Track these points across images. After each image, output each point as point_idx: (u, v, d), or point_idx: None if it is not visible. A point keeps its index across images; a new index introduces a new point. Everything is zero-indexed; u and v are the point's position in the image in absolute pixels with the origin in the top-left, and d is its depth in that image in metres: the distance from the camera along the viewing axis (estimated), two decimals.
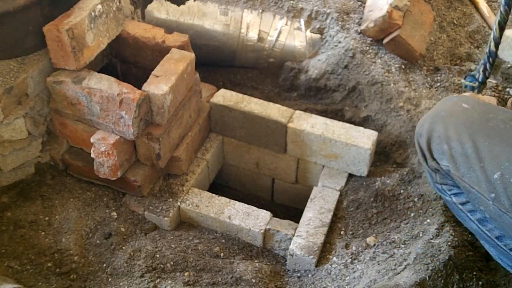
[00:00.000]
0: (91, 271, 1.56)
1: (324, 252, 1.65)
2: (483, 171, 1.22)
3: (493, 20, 1.53)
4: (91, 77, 1.62)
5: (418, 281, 1.38)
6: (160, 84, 1.62)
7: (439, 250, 1.45)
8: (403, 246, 1.56)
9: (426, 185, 1.69)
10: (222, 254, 1.67)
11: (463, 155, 1.30)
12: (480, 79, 1.47)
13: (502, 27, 1.30)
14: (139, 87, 1.60)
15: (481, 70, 1.45)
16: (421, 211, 1.64)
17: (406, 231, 1.60)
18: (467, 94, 1.57)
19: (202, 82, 1.93)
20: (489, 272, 1.48)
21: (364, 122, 2.01)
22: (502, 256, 1.33)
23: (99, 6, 1.65)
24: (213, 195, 1.80)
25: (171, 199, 1.77)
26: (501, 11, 1.27)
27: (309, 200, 1.78)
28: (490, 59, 1.40)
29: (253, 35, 2.19)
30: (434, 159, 1.39)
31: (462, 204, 1.38)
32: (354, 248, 1.63)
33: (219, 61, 2.29)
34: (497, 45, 1.35)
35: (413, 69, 2.06)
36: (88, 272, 1.56)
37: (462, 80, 1.55)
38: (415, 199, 1.69)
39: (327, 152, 1.86)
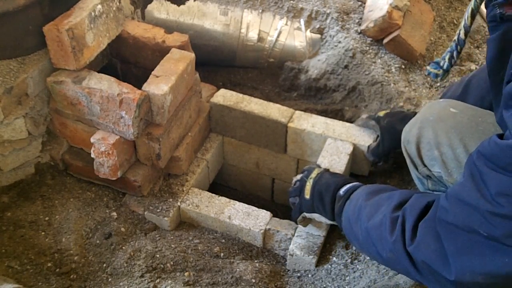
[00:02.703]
0: (91, 271, 1.56)
1: (324, 252, 1.65)
2: None
3: None
4: (91, 77, 1.62)
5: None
6: (160, 84, 1.62)
7: None
8: None
9: None
10: (222, 254, 1.67)
11: (455, 160, 1.28)
12: (445, 67, 1.42)
13: (474, 15, 1.25)
14: (139, 87, 1.60)
15: (446, 57, 1.40)
16: None
17: None
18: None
19: (202, 82, 1.94)
20: None
21: None
22: None
23: (99, 6, 1.65)
24: (213, 195, 1.80)
25: (171, 199, 1.77)
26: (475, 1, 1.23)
27: None
28: (458, 47, 1.36)
29: (253, 35, 2.19)
30: (425, 165, 1.37)
31: None
32: (354, 248, 1.63)
33: (219, 61, 2.30)
34: (466, 34, 1.30)
35: (413, 69, 2.06)
36: (88, 272, 1.56)
37: (427, 67, 1.49)
38: None
39: None
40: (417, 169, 1.41)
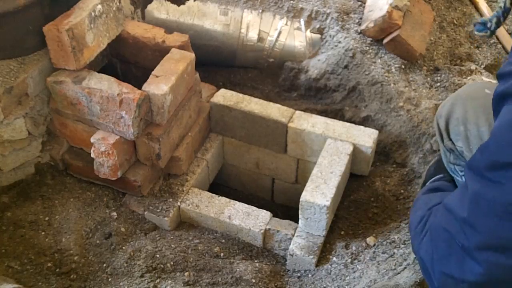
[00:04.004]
0: (91, 271, 1.56)
1: (324, 252, 1.65)
2: None
3: None
4: (91, 77, 1.62)
5: (418, 281, 1.38)
6: (160, 84, 1.62)
7: None
8: (403, 246, 1.56)
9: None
10: (222, 254, 1.67)
11: (477, 138, 1.31)
12: (492, 28, 1.53)
13: None
14: (139, 87, 1.60)
15: (493, 20, 1.52)
16: None
17: (406, 231, 1.60)
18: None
19: (202, 82, 1.93)
20: None
21: (364, 122, 2.01)
22: None
23: (99, 6, 1.65)
24: (213, 195, 1.80)
25: (171, 199, 1.77)
26: None
27: None
28: (505, 14, 1.49)
29: (253, 35, 2.19)
30: (450, 139, 1.42)
31: None
32: (354, 248, 1.63)
33: (219, 61, 2.29)
34: None
35: (413, 69, 2.06)
36: (88, 272, 1.56)
37: (475, 32, 1.59)
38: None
39: None
40: (443, 142, 1.46)
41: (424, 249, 1.01)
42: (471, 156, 1.31)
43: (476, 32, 1.59)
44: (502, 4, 1.46)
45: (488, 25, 1.52)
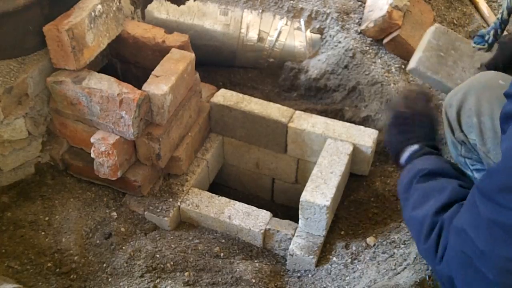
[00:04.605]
0: (91, 271, 1.56)
1: (324, 252, 1.65)
2: None
3: (493, 20, 1.57)
4: (91, 77, 1.62)
5: (418, 281, 1.38)
6: (160, 84, 1.62)
7: None
8: (403, 246, 1.56)
9: None
10: (222, 254, 1.67)
11: (492, 131, 1.27)
12: (490, 41, 1.51)
13: None
14: (139, 87, 1.60)
15: (491, 33, 1.50)
16: None
17: (406, 231, 1.60)
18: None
19: (202, 82, 1.93)
20: None
21: (364, 122, 2.01)
22: None
23: (99, 6, 1.65)
24: (213, 195, 1.80)
25: (171, 199, 1.77)
26: None
27: None
28: (502, 25, 1.48)
29: (253, 35, 2.19)
30: (462, 131, 1.36)
31: None
32: (354, 248, 1.63)
33: (219, 61, 2.30)
34: (509, 13, 1.43)
35: None
36: (88, 272, 1.56)
37: (472, 44, 1.59)
38: None
39: None
40: (453, 133, 1.40)
41: (448, 271, 0.98)
42: (484, 149, 1.28)
43: (473, 45, 1.57)
44: (499, 16, 1.45)
45: (486, 37, 1.51)
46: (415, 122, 1.35)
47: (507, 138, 0.87)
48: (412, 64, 1.67)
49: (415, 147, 1.30)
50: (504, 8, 1.42)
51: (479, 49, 1.55)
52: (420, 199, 1.14)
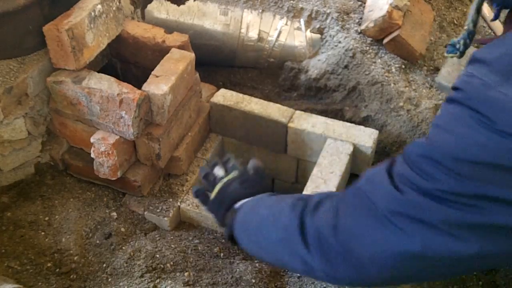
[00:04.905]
0: (91, 271, 1.56)
1: None
2: None
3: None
4: (91, 77, 1.62)
5: None
6: (160, 84, 1.62)
7: None
8: None
9: None
10: (222, 254, 1.67)
11: None
12: (461, 49, 1.59)
13: (479, 10, 1.45)
14: (139, 87, 1.60)
15: (461, 42, 1.58)
16: None
17: None
18: None
19: (202, 82, 1.93)
20: (489, 273, 1.48)
21: (364, 122, 2.01)
22: None
23: (99, 6, 1.65)
24: None
25: (171, 199, 1.77)
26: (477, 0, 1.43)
27: None
28: (470, 36, 1.53)
29: (253, 35, 2.19)
30: None
31: None
32: None
33: (219, 61, 2.30)
34: (475, 25, 1.49)
35: (413, 69, 2.06)
36: (88, 272, 1.56)
37: (445, 54, 1.69)
38: None
39: None
40: None
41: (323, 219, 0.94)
42: None
43: (446, 54, 1.66)
44: (467, 27, 1.50)
45: (457, 46, 1.54)
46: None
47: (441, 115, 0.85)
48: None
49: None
50: (470, 21, 1.46)
51: (452, 57, 1.66)
52: (267, 218, 1.08)
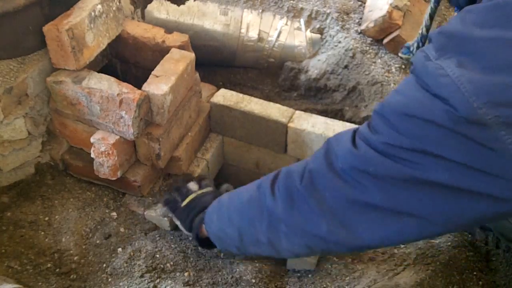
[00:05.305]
0: (91, 271, 1.56)
1: None
2: None
3: None
4: (91, 77, 1.62)
5: (418, 281, 1.38)
6: (160, 84, 1.62)
7: (439, 250, 1.45)
8: (403, 246, 1.56)
9: None
10: (222, 254, 1.67)
11: None
12: (414, 52, 1.72)
13: (432, 17, 1.58)
14: (139, 87, 1.60)
15: (415, 45, 1.70)
16: None
17: None
18: None
19: (202, 82, 1.93)
20: (489, 273, 1.48)
21: (364, 122, 2.01)
22: None
23: (99, 6, 1.65)
24: None
25: None
26: (431, 6, 1.54)
27: None
28: (423, 39, 1.65)
29: (253, 35, 2.19)
30: None
31: None
32: None
33: (219, 61, 2.30)
34: (428, 30, 1.62)
35: None
36: (88, 272, 1.56)
37: (400, 55, 1.85)
38: None
39: None
40: None
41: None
42: None
43: (400, 55, 1.76)
44: (420, 31, 1.63)
45: (411, 49, 1.69)
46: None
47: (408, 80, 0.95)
48: None
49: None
50: (423, 26, 1.61)
51: (406, 58, 1.77)
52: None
